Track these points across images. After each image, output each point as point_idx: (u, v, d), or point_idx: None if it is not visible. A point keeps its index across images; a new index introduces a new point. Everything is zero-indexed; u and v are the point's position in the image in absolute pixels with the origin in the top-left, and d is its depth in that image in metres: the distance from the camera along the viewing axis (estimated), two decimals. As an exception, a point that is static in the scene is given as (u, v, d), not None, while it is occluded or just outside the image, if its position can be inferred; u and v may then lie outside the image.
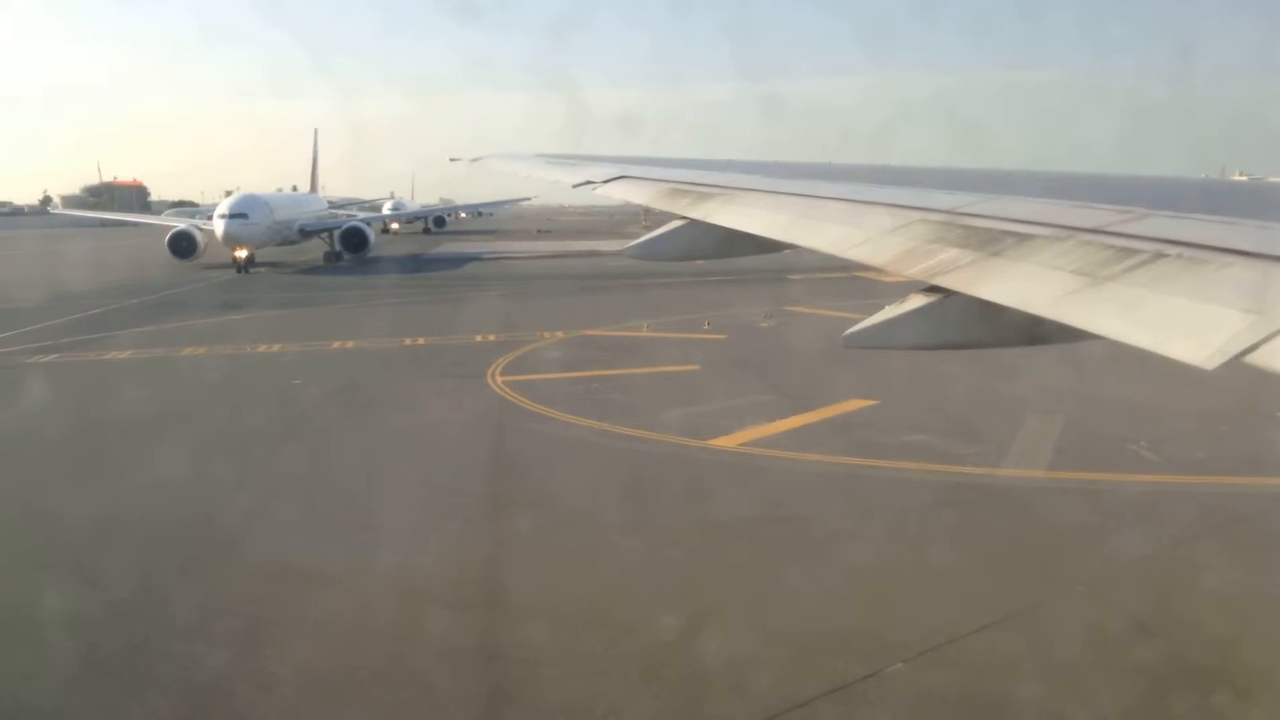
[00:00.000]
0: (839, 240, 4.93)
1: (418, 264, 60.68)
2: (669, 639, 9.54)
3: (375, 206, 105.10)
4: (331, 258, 58.26)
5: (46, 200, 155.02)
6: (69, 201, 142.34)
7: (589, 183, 9.00)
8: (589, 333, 29.35)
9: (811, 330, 28.77)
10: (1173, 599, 10.33)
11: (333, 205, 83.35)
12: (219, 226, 51.40)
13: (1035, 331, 3.53)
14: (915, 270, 4.00)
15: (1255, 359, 2.29)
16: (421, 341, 28.62)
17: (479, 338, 28.55)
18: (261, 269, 53.38)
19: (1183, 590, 10.52)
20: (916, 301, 3.97)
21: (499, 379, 22.03)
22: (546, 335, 28.67)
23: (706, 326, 29.47)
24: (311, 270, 54.62)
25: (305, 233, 60.27)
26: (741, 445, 16.19)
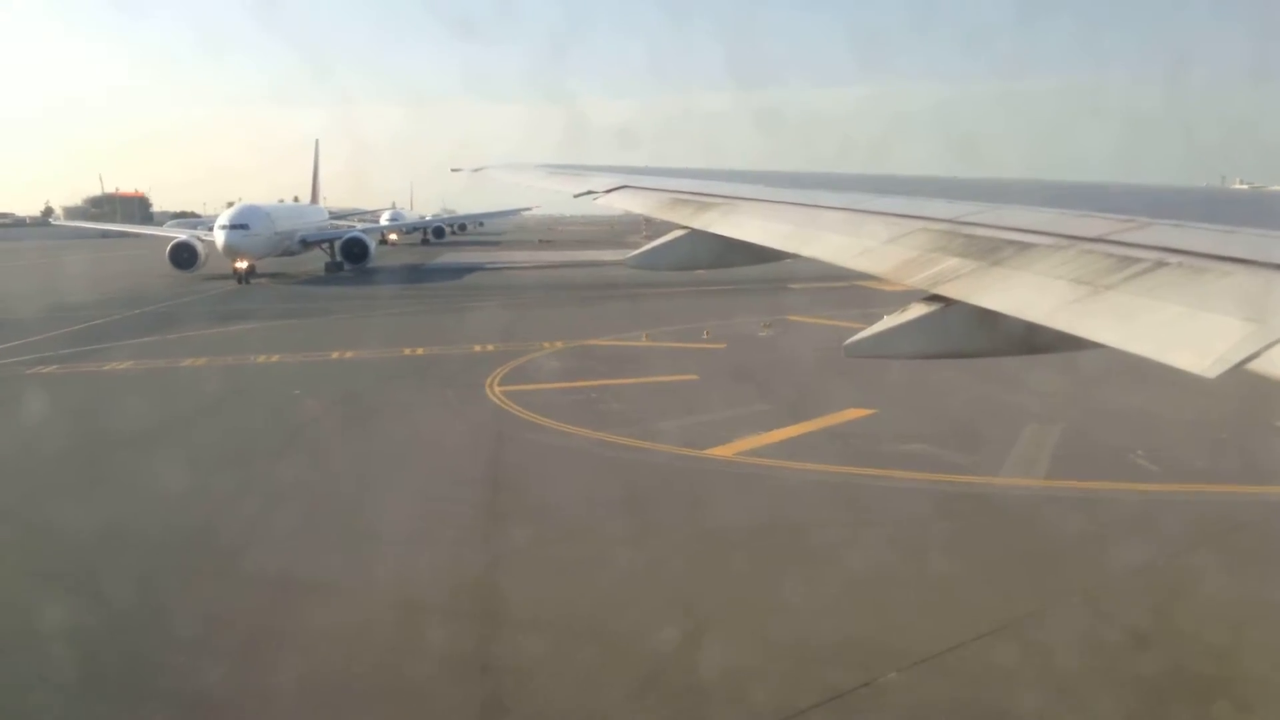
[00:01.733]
0: (840, 250, 4.94)
1: (418, 274, 60.63)
2: (661, 649, 9.52)
3: (376, 217, 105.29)
4: (332, 268, 58.25)
5: (48, 212, 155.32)
6: (71, 213, 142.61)
7: (590, 193, 9.02)
8: (588, 343, 29.33)
9: (810, 339, 28.79)
10: (1166, 608, 10.30)
11: (334, 216, 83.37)
12: (220, 237, 51.34)
13: (1036, 340, 3.54)
14: (916, 279, 4.01)
15: (1256, 367, 2.30)
16: (420, 352, 28.64)
17: (478, 348, 28.55)
18: (262, 280, 53.30)
19: (1176, 598, 10.49)
20: (917, 310, 3.98)
21: (497, 389, 22.00)
22: (546, 345, 28.65)
23: (705, 336, 29.49)
24: (312, 281, 54.58)
25: (306, 243, 60.25)
26: (738, 454, 16.14)
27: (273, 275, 55.64)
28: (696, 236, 6.62)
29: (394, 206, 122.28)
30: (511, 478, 15.81)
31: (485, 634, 10.02)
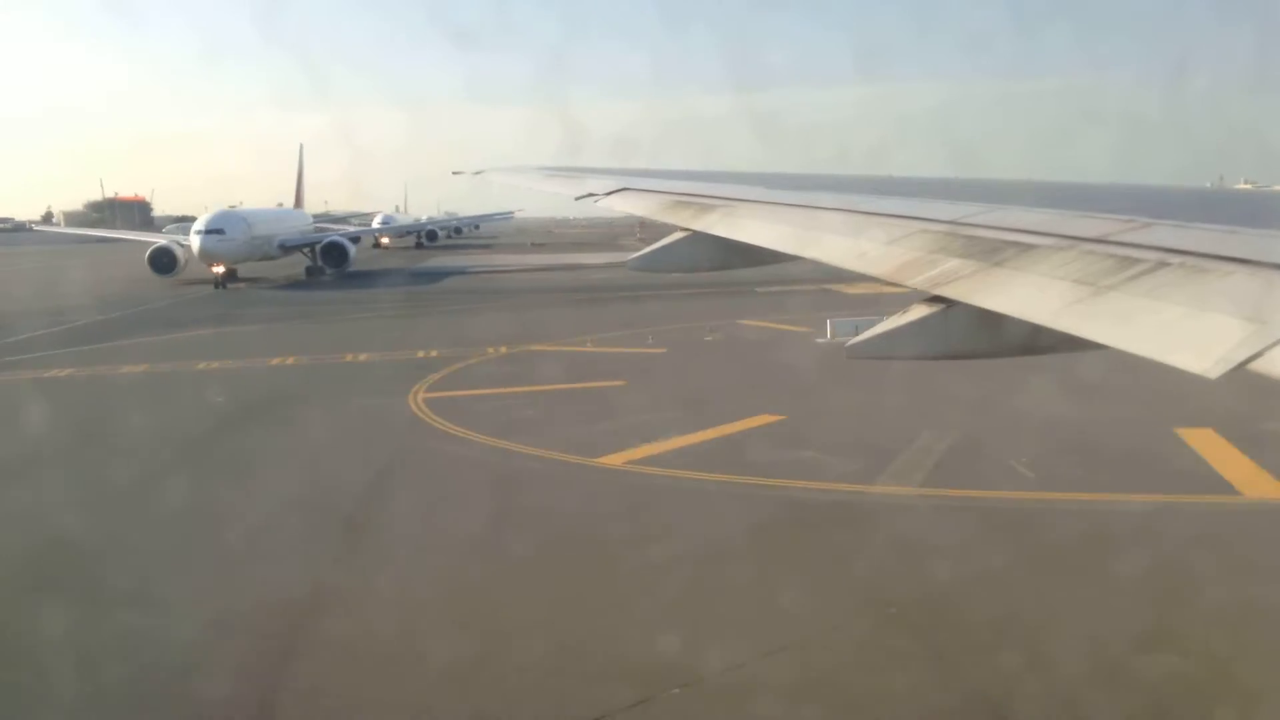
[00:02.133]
0: (841, 252, 4.95)
1: (398, 278, 60.12)
2: (438, 664, 9.36)
3: (372, 220, 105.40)
4: (313, 272, 58.06)
5: (48, 216, 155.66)
6: (70, 217, 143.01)
7: (591, 195, 9.02)
8: (534, 348, 29.08)
9: (750, 344, 28.78)
10: (978, 620, 10.12)
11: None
12: (195, 242, 50.94)
13: (1038, 341, 3.55)
14: (917, 280, 4.01)
15: (1258, 367, 2.30)
16: (364, 358, 28.32)
17: (421, 353, 28.08)
18: (241, 284, 52.98)
19: (991, 610, 10.32)
20: (919, 312, 3.98)
21: (421, 396, 21.76)
22: (491, 350, 28.44)
23: (650, 341, 29.23)
24: (291, 285, 54.18)
25: (286, 248, 59.76)
26: (627, 463, 15.95)
27: (253, 280, 55.30)
28: (697, 239, 6.62)
29: (399, 210, 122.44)
30: (383, 487, 15.57)
31: (254, 637, 10.05)
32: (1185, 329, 2.67)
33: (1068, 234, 3.76)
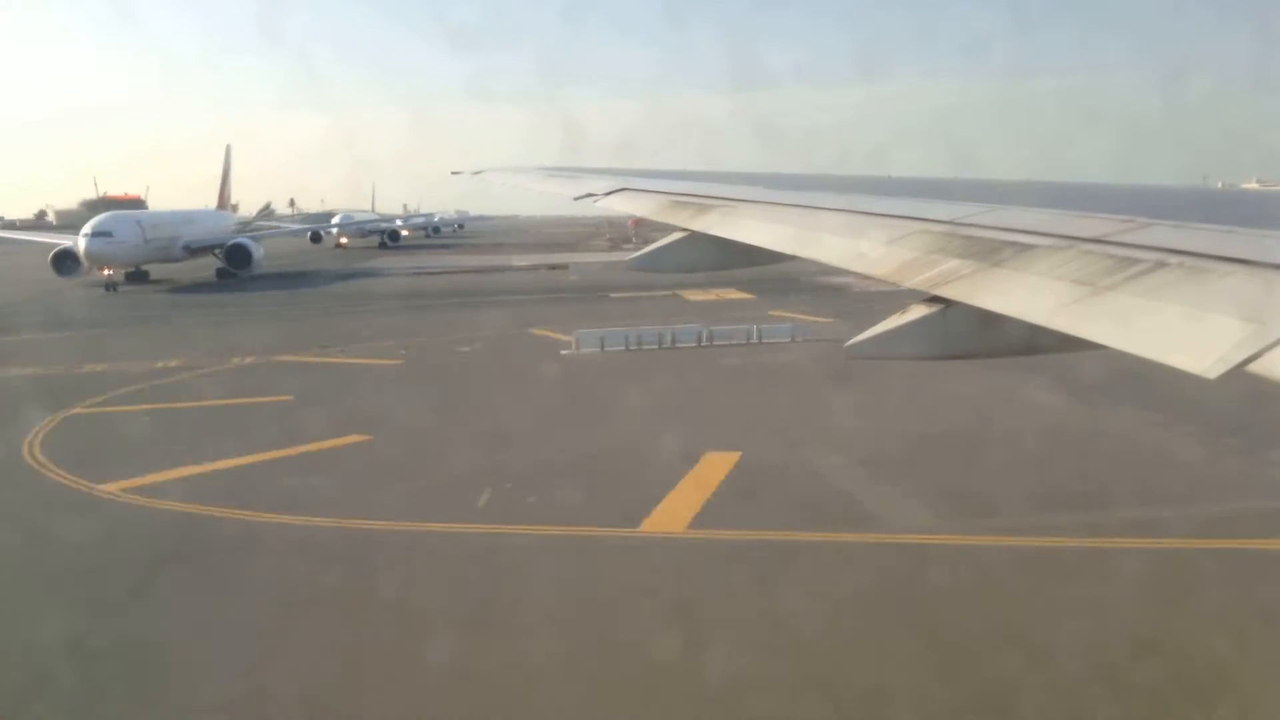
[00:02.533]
0: (840, 252, 4.96)
1: (299, 280, 59.24)
2: None
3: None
4: (223, 274, 57.45)
5: (42, 215, 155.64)
6: (64, 215, 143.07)
7: (590, 195, 9.01)
8: (281, 358, 28.19)
9: (493, 356, 28.35)
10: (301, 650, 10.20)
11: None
12: (81, 245, 50.08)
13: (1037, 341, 3.55)
14: (917, 281, 4.01)
15: (1256, 368, 2.30)
16: (101, 368, 27.02)
17: (163, 363, 27.41)
18: (134, 287, 52.28)
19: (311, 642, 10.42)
20: (918, 312, 3.98)
21: (72, 411, 21.14)
22: (234, 361, 27.68)
23: (404, 352, 28.65)
24: (187, 289, 53.65)
25: (192, 250, 58.75)
26: (125, 489, 15.23)
27: (159, 282, 54.97)
28: (696, 239, 6.62)
29: (407, 209, 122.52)
30: None
31: None
32: (1184, 329, 2.67)
33: (1067, 234, 3.76)
